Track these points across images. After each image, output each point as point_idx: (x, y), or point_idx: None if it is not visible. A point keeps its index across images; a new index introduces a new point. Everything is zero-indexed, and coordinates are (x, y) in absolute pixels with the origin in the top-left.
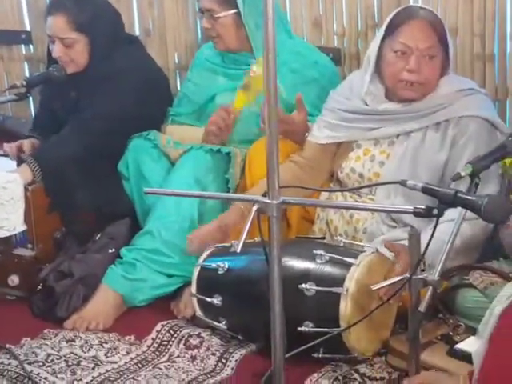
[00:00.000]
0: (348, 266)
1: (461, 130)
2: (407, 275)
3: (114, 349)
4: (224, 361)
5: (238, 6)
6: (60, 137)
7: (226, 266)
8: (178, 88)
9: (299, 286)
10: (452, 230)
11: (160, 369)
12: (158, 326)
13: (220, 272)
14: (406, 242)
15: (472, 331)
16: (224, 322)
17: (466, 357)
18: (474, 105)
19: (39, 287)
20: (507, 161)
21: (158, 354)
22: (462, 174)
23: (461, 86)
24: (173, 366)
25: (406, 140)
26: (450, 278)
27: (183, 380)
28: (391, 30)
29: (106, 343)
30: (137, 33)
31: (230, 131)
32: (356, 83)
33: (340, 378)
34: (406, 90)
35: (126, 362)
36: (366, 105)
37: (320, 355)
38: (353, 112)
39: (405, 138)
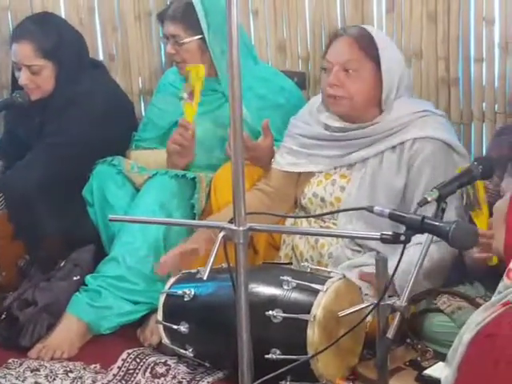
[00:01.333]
0: (315, 292)
1: (416, 152)
2: (375, 301)
3: (80, 378)
4: None
5: (203, 31)
6: (24, 163)
7: (193, 293)
8: (143, 113)
9: (266, 312)
10: (419, 255)
11: None
12: (124, 355)
13: (186, 299)
14: (372, 268)
15: (440, 356)
16: (191, 350)
17: (433, 383)
18: (429, 126)
19: (3, 316)
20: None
21: (123, 382)
22: (429, 199)
23: (414, 109)
24: None
25: (364, 166)
26: (418, 303)
27: None
28: (326, 50)
29: (72, 372)
30: (100, 57)
31: (193, 146)
32: (315, 108)
33: None
34: (333, 104)
35: None
36: (326, 128)
37: (288, 383)
38: (311, 137)
39: (362, 164)
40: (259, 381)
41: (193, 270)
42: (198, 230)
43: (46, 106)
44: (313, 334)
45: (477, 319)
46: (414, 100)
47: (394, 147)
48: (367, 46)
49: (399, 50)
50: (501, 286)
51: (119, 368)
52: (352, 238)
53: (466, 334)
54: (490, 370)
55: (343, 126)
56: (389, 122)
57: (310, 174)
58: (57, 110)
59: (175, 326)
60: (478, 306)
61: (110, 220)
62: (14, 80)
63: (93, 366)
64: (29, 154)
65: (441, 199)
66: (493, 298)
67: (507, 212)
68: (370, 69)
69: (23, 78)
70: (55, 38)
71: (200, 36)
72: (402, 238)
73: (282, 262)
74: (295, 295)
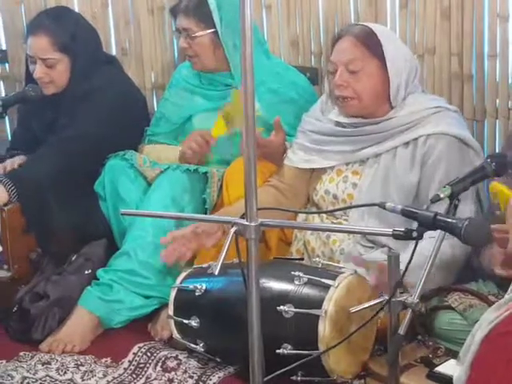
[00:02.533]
0: (326, 287)
1: (429, 149)
2: (386, 297)
3: (91, 371)
4: None
5: (215, 25)
6: (36, 157)
7: (204, 288)
8: (155, 107)
9: (277, 307)
10: (431, 252)
11: None
12: (135, 348)
13: (197, 294)
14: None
15: (451, 353)
16: (202, 345)
17: (445, 380)
18: (443, 122)
19: (15, 309)
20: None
21: (134, 376)
22: (441, 195)
23: (428, 105)
24: None
25: (377, 161)
26: (430, 300)
27: None
28: (331, 52)
29: (83, 366)
30: (113, 52)
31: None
32: (323, 109)
33: None
34: (342, 106)
35: None
36: (337, 124)
37: (299, 378)
38: (323, 134)
39: (375, 160)
40: (270, 376)
41: (204, 265)
42: None
43: (60, 100)
44: (324, 329)
45: (489, 317)
46: (426, 96)
47: (407, 143)
48: (370, 43)
49: (406, 45)
50: None
51: (130, 362)
52: (363, 233)
53: (479, 333)
54: (503, 368)
55: (355, 121)
56: (402, 117)
57: (322, 171)
58: (70, 104)
59: (186, 321)
60: (490, 303)
61: (122, 214)
62: (28, 74)
63: (104, 360)
64: (41, 148)
65: (453, 196)
66: (506, 296)
67: None
68: (375, 66)
69: (38, 71)
70: (71, 31)
71: (212, 30)
72: (415, 234)
73: (293, 257)
74: (307, 290)
